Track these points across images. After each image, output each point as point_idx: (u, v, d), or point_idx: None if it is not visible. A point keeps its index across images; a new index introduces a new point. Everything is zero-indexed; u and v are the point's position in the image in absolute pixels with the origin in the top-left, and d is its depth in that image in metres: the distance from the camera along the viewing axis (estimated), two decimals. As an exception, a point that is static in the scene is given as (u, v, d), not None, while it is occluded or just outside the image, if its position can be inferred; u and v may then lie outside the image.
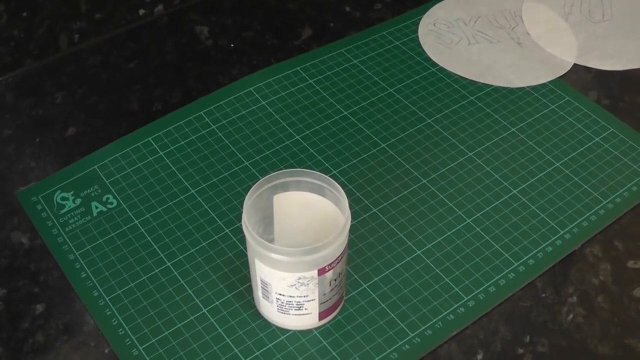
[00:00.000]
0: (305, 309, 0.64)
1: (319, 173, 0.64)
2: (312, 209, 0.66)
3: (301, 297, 0.63)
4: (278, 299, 0.64)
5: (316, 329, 0.66)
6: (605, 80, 0.89)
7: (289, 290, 0.63)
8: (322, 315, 0.66)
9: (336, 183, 0.64)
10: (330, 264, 0.62)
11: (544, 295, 0.70)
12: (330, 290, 0.64)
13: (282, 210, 0.66)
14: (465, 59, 0.91)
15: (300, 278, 0.61)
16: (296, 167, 0.77)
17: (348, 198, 0.67)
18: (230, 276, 0.70)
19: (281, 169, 0.72)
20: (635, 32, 0.94)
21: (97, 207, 0.76)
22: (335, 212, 0.64)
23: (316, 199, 0.65)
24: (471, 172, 0.79)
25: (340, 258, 0.62)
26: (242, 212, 0.64)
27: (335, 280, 0.64)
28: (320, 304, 0.64)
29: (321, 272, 0.61)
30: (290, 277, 0.61)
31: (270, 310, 0.66)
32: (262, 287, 0.64)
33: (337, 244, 0.61)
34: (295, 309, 0.64)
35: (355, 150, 0.80)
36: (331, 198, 0.65)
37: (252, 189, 0.63)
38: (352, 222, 0.73)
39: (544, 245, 0.72)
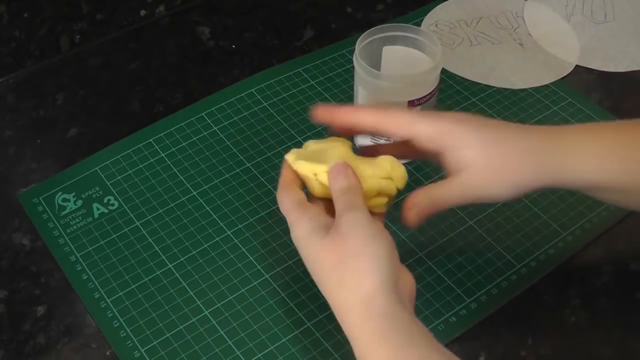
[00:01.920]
0: (394, 141, 0.69)
1: (425, 31, 0.76)
2: (413, 64, 0.76)
3: None
4: None
5: None
6: (608, 82, 0.89)
7: None
8: None
9: (434, 37, 0.75)
10: (419, 99, 0.72)
11: (546, 297, 0.69)
12: None
13: (388, 60, 0.77)
14: (467, 60, 0.90)
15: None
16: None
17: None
18: (232, 278, 0.70)
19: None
20: (637, 34, 0.94)
21: (98, 209, 0.75)
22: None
23: (419, 55, 0.76)
24: (473, 173, 0.79)
25: (428, 97, 0.73)
26: (354, 55, 0.74)
27: None
28: None
29: (411, 104, 0.72)
30: (385, 104, 0.71)
31: (364, 140, 0.76)
32: None
33: (426, 81, 0.72)
34: (386, 140, 0.72)
35: (357, 151, 0.80)
36: (431, 54, 0.75)
37: (363, 35, 0.75)
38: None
39: (547, 247, 0.72)
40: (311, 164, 0.62)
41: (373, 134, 0.73)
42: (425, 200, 0.63)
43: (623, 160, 0.61)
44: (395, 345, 0.53)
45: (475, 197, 0.62)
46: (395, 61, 0.77)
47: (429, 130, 0.62)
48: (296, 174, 0.63)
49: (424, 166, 0.79)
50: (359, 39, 0.75)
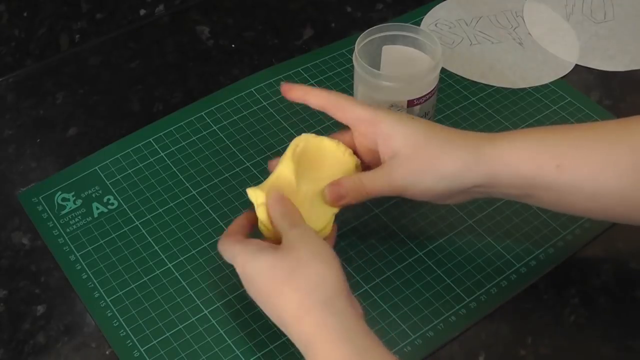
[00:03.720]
0: None
1: (424, 30, 0.76)
2: (413, 63, 0.76)
3: None
4: None
5: None
6: (607, 81, 0.89)
7: None
8: None
9: (434, 37, 0.75)
10: (418, 99, 0.73)
11: (545, 296, 0.70)
12: None
13: (388, 60, 0.77)
14: (466, 59, 0.90)
15: (392, 106, 0.72)
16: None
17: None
18: (231, 277, 0.70)
19: None
20: (637, 33, 0.94)
21: (98, 208, 0.75)
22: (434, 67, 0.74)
23: (419, 55, 0.76)
24: (473, 173, 0.79)
25: (428, 97, 0.74)
26: (354, 54, 0.74)
27: (422, 117, 0.73)
28: None
29: (410, 103, 0.73)
30: (384, 103, 0.72)
31: None
32: None
33: (426, 81, 0.73)
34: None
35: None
36: (431, 54, 0.75)
37: (363, 34, 0.75)
38: (354, 223, 0.73)
39: (546, 246, 0.72)
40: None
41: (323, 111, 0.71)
42: (352, 189, 0.65)
43: (556, 156, 0.61)
44: (357, 346, 0.54)
45: (402, 187, 0.64)
46: (395, 60, 0.78)
47: (367, 115, 0.65)
48: (246, 223, 0.67)
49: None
50: (359, 38, 0.75)
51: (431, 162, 0.63)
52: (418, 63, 0.77)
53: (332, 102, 0.68)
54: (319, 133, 0.81)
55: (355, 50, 0.74)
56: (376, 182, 0.65)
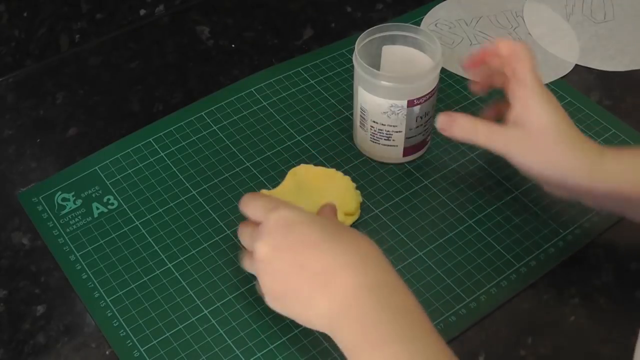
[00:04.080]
0: (393, 140, 0.76)
1: (424, 30, 0.77)
2: (413, 63, 0.77)
3: (391, 126, 0.75)
4: (372, 126, 0.76)
5: (398, 165, 0.78)
6: (607, 81, 0.89)
7: (381, 118, 0.74)
8: (406, 152, 0.78)
9: (434, 37, 0.75)
10: (418, 99, 0.73)
11: (546, 296, 0.69)
12: (416, 127, 0.76)
13: (388, 60, 0.78)
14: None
15: (392, 106, 0.73)
16: (297, 166, 0.77)
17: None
18: (231, 277, 0.70)
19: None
20: (637, 33, 0.94)
21: (98, 208, 0.75)
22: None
23: (418, 55, 0.77)
24: (473, 173, 0.78)
25: (428, 97, 0.74)
26: (354, 55, 0.75)
27: (421, 117, 0.75)
28: (406, 138, 0.76)
29: (410, 104, 0.73)
30: (384, 103, 0.73)
31: (364, 139, 0.78)
32: (360, 115, 0.76)
33: (426, 81, 0.73)
34: (385, 139, 0.76)
35: (357, 150, 0.80)
36: (431, 54, 0.76)
37: (363, 34, 0.76)
38: (354, 223, 0.73)
39: (546, 246, 0.72)
40: None
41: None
42: (464, 126, 0.70)
43: None
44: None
45: (512, 156, 0.68)
46: (395, 60, 0.78)
47: (527, 79, 0.68)
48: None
49: (423, 165, 0.79)
50: (359, 38, 0.75)
51: (548, 148, 0.66)
52: (418, 63, 0.77)
53: (516, 53, 0.70)
54: (318, 133, 0.82)
55: (355, 50, 0.74)
56: (492, 136, 0.69)
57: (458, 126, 0.70)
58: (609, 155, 0.66)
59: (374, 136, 0.77)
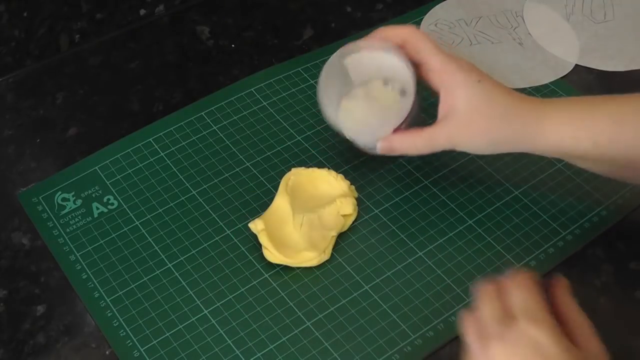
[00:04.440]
0: None
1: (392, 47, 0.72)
2: (383, 68, 0.73)
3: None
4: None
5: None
6: (607, 81, 0.89)
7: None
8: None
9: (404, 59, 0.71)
10: (398, 127, 0.71)
11: (545, 296, 0.69)
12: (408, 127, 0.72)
13: (356, 71, 0.75)
14: (466, 59, 0.90)
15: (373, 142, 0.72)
16: (297, 167, 0.77)
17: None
18: (231, 277, 0.70)
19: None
20: (637, 33, 0.94)
21: (98, 208, 0.75)
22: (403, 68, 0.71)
23: (385, 58, 0.72)
24: (473, 173, 0.78)
25: (407, 120, 0.71)
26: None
27: (408, 126, 0.72)
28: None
29: (395, 131, 0.71)
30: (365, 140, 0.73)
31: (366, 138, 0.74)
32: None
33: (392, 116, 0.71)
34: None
35: (356, 151, 0.80)
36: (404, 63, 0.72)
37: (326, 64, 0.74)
38: (354, 223, 0.73)
39: (546, 246, 0.72)
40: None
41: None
42: (405, 141, 0.71)
43: (594, 134, 0.66)
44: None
45: (453, 145, 0.69)
46: (364, 70, 0.75)
47: (437, 65, 0.69)
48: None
49: (423, 165, 0.79)
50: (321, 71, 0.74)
51: (487, 128, 0.68)
52: (388, 67, 0.73)
53: (411, 42, 0.70)
54: (318, 133, 0.82)
55: (320, 88, 0.74)
56: (432, 140, 0.70)
57: (397, 146, 0.71)
58: (547, 124, 0.66)
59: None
